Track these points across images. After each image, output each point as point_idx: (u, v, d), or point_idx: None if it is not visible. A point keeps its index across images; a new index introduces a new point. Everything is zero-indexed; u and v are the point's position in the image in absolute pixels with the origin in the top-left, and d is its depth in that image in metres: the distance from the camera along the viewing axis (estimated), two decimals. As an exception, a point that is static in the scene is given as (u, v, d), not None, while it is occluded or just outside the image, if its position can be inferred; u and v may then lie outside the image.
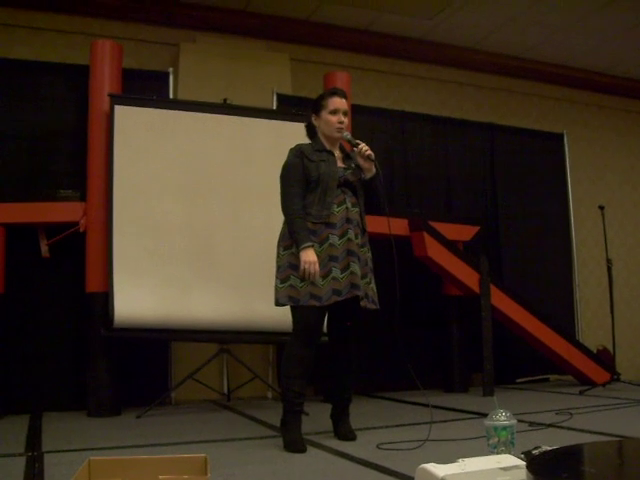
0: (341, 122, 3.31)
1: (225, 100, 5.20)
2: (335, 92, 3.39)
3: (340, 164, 3.34)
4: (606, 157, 7.47)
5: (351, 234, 3.21)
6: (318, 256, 3.16)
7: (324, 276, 3.15)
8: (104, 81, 4.60)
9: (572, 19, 5.92)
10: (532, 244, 6.43)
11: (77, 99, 4.83)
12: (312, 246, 3.14)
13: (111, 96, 4.53)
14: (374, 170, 3.30)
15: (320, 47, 6.10)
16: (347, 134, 3.35)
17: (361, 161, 3.31)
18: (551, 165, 6.74)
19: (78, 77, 4.81)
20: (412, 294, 5.65)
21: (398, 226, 5.15)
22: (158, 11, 5.46)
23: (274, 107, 5.42)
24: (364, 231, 3.36)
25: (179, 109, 4.72)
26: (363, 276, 3.24)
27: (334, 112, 3.32)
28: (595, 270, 6.97)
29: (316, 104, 3.40)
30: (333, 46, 6.13)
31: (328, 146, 3.36)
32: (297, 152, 3.31)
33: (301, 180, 3.24)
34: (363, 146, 3.28)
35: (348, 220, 3.24)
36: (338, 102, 3.33)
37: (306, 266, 3.10)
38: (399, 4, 5.59)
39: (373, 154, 3.28)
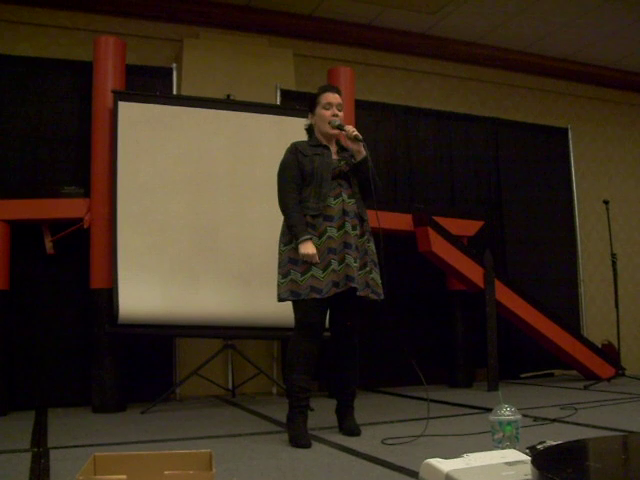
0: (335, 115, 3.33)
1: (228, 96, 5.19)
2: (327, 88, 3.43)
3: (335, 157, 3.36)
4: (610, 151, 7.45)
5: (348, 226, 3.22)
6: (318, 249, 3.18)
7: (324, 268, 3.17)
8: (107, 77, 4.59)
9: (576, 13, 5.90)
10: (536, 239, 6.41)
11: (81, 96, 4.83)
12: (310, 239, 3.16)
13: (115, 92, 4.53)
14: (363, 152, 3.29)
15: (323, 42, 6.09)
16: (335, 121, 3.33)
17: (350, 143, 3.32)
18: (555, 160, 6.71)
19: (82, 73, 4.81)
20: (416, 289, 5.67)
21: (402, 221, 5.16)
22: (161, 7, 5.46)
23: (278, 103, 5.42)
24: (363, 220, 3.35)
25: (183, 105, 4.71)
26: (362, 266, 3.25)
27: (328, 107, 3.34)
28: (600, 265, 6.95)
29: (310, 103, 3.43)
30: (336, 41, 6.12)
31: (324, 142, 3.38)
32: (292, 149, 3.35)
33: (297, 176, 3.27)
34: (350, 127, 3.29)
35: (345, 212, 3.24)
36: (331, 97, 3.35)
37: (306, 259, 3.14)
38: (403, -1, 5.59)
39: (360, 135, 3.27)
